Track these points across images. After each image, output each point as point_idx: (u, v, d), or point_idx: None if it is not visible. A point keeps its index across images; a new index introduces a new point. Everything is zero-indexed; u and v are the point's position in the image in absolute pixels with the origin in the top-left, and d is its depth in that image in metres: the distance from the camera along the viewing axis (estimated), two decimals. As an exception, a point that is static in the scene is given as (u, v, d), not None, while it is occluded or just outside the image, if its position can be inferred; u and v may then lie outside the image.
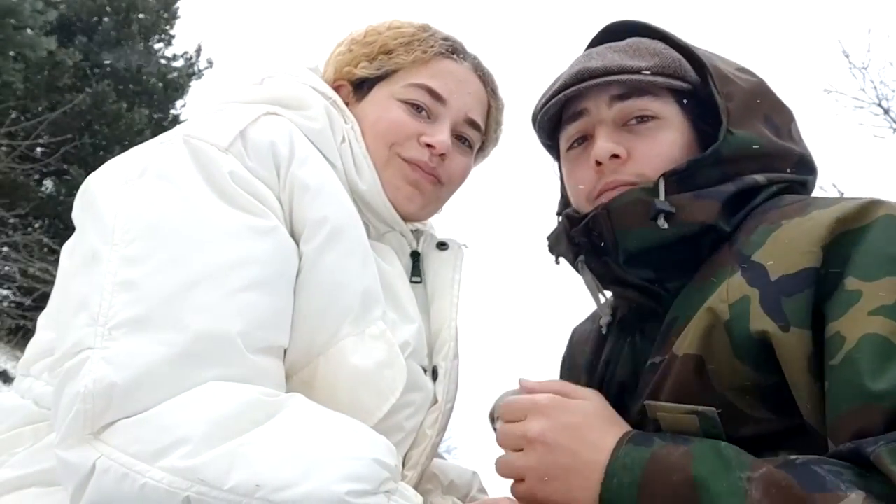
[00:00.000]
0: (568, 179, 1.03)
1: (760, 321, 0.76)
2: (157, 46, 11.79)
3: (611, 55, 0.98)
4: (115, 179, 0.89)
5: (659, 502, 0.73)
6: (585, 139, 1.00)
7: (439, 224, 1.26)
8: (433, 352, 1.07)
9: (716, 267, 0.86)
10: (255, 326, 0.82)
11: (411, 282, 1.09)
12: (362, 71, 1.12)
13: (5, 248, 8.80)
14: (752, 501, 0.67)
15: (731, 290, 0.81)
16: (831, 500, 0.63)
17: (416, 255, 1.14)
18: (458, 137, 1.13)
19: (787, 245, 0.79)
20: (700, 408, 0.79)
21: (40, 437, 0.89)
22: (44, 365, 0.93)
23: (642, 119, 0.95)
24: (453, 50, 1.12)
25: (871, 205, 0.78)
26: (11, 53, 8.35)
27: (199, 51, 12.16)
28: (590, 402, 0.87)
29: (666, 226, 0.87)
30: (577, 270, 1.02)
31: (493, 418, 2.50)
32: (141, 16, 11.19)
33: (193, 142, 0.90)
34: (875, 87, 11.26)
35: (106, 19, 10.89)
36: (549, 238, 1.08)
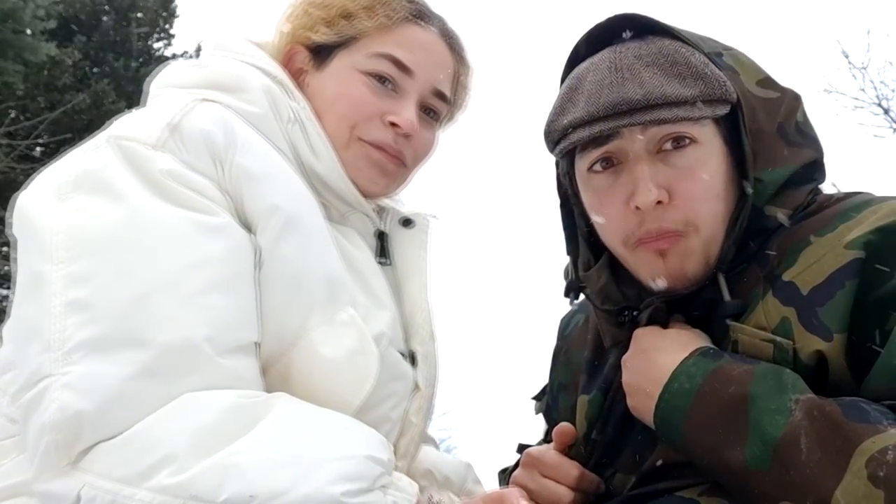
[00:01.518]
0: (591, 208, 0.92)
1: (806, 341, 0.77)
2: (156, 46, 11.78)
3: (647, 75, 0.84)
4: (47, 195, 0.83)
5: (710, 410, 0.76)
6: (610, 161, 0.88)
7: (409, 195, 1.19)
8: (409, 336, 1.03)
9: (748, 287, 0.85)
10: (221, 329, 0.79)
11: (379, 263, 1.04)
12: (320, 37, 1.03)
13: (5, 248, 8.79)
14: (795, 420, 0.70)
15: (768, 314, 0.81)
16: (871, 432, 0.66)
17: (382, 235, 1.08)
18: (424, 109, 1.06)
19: (813, 256, 0.80)
20: (778, 338, 0.79)
21: (22, 448, 0.85)
22: (9, 379, 0.88)
23: (678, 143, 0.84)
24: (419, 14, 1.04)
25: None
26: (11, 54, 8.35)
27: (198, 50, 12.13)
28: (670, 330, 0.89)
29: (732, 323, 0.84)
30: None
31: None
32: (140, 15, 11.19)
33: (122, 143, 0.84)
34: (875, 87, 11.30)
35: (105, 19, 10.89)
36: (568, 293, 1.03)
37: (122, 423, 0.73)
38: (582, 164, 0.92)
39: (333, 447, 0.77)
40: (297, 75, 1.04)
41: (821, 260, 0.79)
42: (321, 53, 1.04)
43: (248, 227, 0.87)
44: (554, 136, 0.91)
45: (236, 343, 0.81)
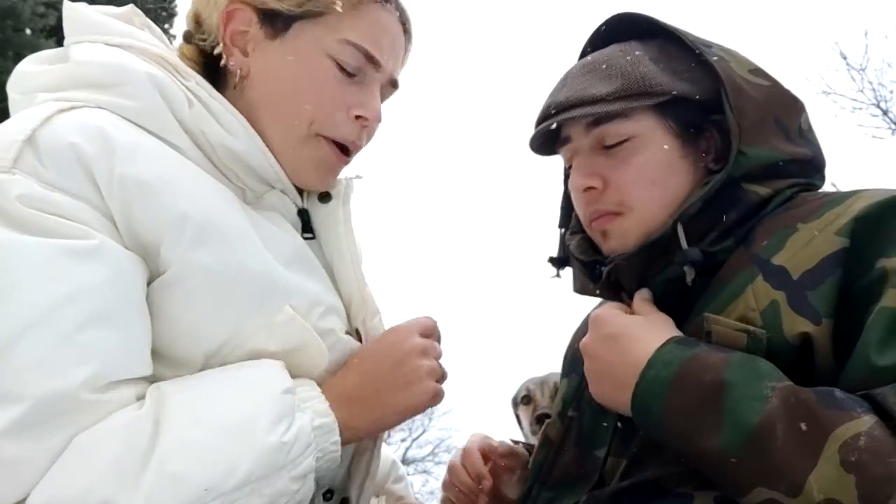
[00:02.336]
0: (573, 201, 1.04)
1: (794, 322, 0.78)
2: (156, 46, 11.80)
3: (579, 81, 0.97)
4: None
5: (686, 397, 0.77)
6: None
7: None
8: (350, 315, 0.97)
9: (735, 269, 0.87)
10: (104, 366, 0.70)
11: (305, 240, 0.96)
12: (278, 3, 0.90)
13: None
14: (771, 407, 0.71)
15: (757, 296, 0.82)
16: (845, 418, 0.67)
17: (302, 212, 0.99)
18: None
19: (804, 242, 0.82)
20: (752, 328, 0.81)
21: None
22: None
23: (614, 138, 0.95)
24: None
25: (880, 191, 0.83)
26: (10, 53, 8.33)
27: (198, 50, 12.15)
28: (637, 316, 0.91)
29: (693, 275, 0.88)
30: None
31: (515, 404, 2.55)
32: (140, 15, 11.19)
33: None
34: (873, 89, 11.31)
35: (105, 19, 10.88)
36: (553, 260, 1.10)
37: (14, 491, 0.65)
38: (565, 167, 1.08)
39: (247, 404, 0.76)
40: (236, 37, 0.93)
41: (811, 244, 0.81)
42: (275, 21, 0.91)
43: (142, 244, 0.77)
44: (530, 145, 1.06)
45: (119, 378, 0.72)
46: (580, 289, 1.06)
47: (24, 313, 0.68)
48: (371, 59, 0.93)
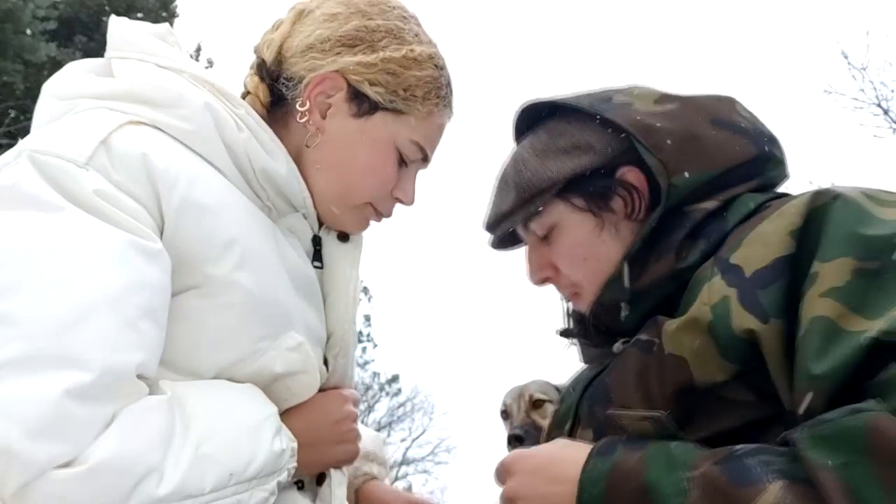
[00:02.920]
0: None
1: (742, 318, 0.78)
2: (156, 46, 11.81)
3: (495, 199, 1.06)
4: None
5: (617, 498, 0.78)
6: None
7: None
8: (328, 345, 1.04)
9: (700, 273, 0.88)
10: (149, 357, 0.76)
11: (314, 267, 1.04)
12: (374, 94, 0.97)
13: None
14: (693, 501, 0.71)
15: (711, 292, 0.83)
16: (753, 494, 0.68)
17: (316, 240, 1.05)
18: None
19: (759, 241, 0.82)
20: (651, 413, 0.83)
21: None
22: None
23: (546, 233, 1.02)
24: (450, 103, 1.05)
25: (832, 190, 0.82)
26: (11, 54, 8.36)
27: (198, 50, 12.18)
28: (551, 443, 0.91)
29: (628, 313, 0.95)
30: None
31: (504, 415, 2.52)
32: (140, 15, 11.21)
33: (42, 159, 0.77)
34: (874, 88, 11.32)
35: (105, 19, 10.88)
36: (563, 333, 1.14)
37: (63, 450, 0.67)
38: None
39: (255, 411, 0.86)
40: (317, 97, 0.98)
41: (767, 242, 0.81)
42: (362, 103, 0.98)
43: (181, 259, 0.82)
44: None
45: (150, 372, 0.78)
46: (587, 360, 1.10)
47: (100, 290, 0.73)
48: (425, 157, 1.05)
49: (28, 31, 8.48)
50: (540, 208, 0.99)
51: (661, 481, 0.75)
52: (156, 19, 11.60)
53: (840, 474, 0.64)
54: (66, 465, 0.67)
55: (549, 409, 2.41)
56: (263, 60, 1.01)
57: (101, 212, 0.76)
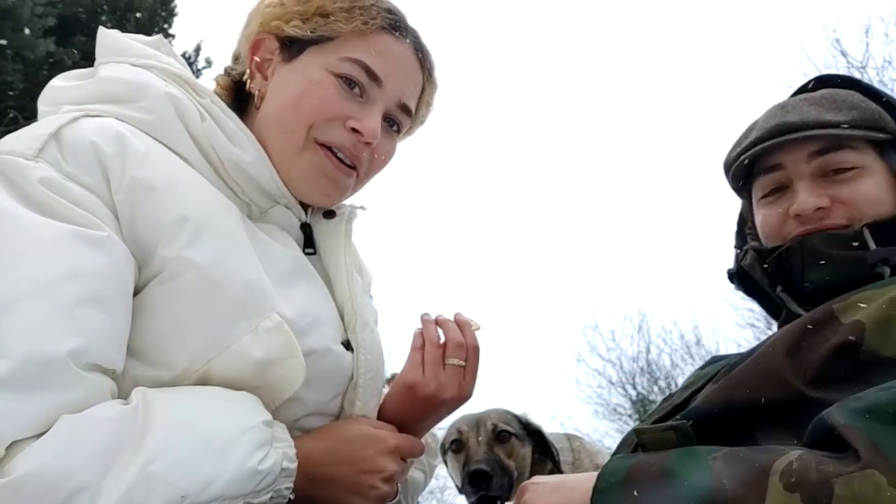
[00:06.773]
0: (762, 225, 1.10)
1: None
2: (155, 45, 11.77)
3: (807, 108, 1.02)
4: None
5: (638, 481, 0.80)
6: (780, 190, 1.06)
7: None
8: (346, 326, 1.02)
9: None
10: (91, 343, 0.72)
11: (306, 254, 1.03)
12: (293, 30, 0.99)
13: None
14: (717, 469, 0.75)
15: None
16: (778, 454, 0.73)
17: (305, 227, 1.06)
18: (388, 120, 1.06)
19: None
20: (674, 423, 0.88)
21: None
22: None
23: (841, 170, 1.00)
24: (395, 25, 1.01)
25: None
26: (10, 53, 8.34)
27: (197, 50, 12.14)
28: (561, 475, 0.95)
29: (889, 273, 0.93)
30: (777, 300, 1.08)
31: (444, 451, 2.26)
32: (139, 15, 11.17)
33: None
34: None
35: (104, 18, 10.88)
36: (735, 269, 1.16)
37: None
38: (757, 194, 1.11)
39: (232, 424, 0.79)
40: (261, 64, 1.03)
41: None
42: (292, 47, 1.01)
43: (139, 243, 0.82)
44: (728, 165, 1.12)
45: (103, 361, 0.75)
46: (736, 275, 1.14)
47: (26, 283, 0.71)
48: (370, 73, 0.99)
49: (27, 31, 8.45)
50: (862, 139, 1.00)
51: (686, 464, 0.78)
52: (155, 19, 11.58)
53: (868, 432, 0.69)
54: None
55: (516, 445, 2.14)
56: (227, 66, 1.09)
57: (42, 204, 0.76)
